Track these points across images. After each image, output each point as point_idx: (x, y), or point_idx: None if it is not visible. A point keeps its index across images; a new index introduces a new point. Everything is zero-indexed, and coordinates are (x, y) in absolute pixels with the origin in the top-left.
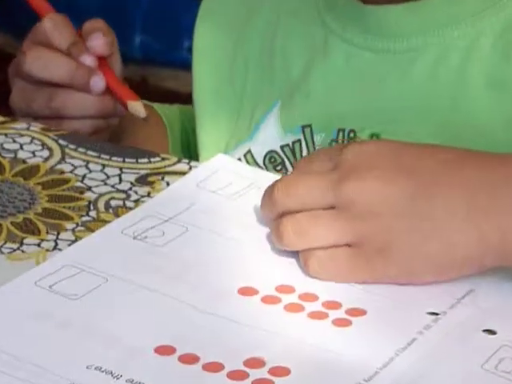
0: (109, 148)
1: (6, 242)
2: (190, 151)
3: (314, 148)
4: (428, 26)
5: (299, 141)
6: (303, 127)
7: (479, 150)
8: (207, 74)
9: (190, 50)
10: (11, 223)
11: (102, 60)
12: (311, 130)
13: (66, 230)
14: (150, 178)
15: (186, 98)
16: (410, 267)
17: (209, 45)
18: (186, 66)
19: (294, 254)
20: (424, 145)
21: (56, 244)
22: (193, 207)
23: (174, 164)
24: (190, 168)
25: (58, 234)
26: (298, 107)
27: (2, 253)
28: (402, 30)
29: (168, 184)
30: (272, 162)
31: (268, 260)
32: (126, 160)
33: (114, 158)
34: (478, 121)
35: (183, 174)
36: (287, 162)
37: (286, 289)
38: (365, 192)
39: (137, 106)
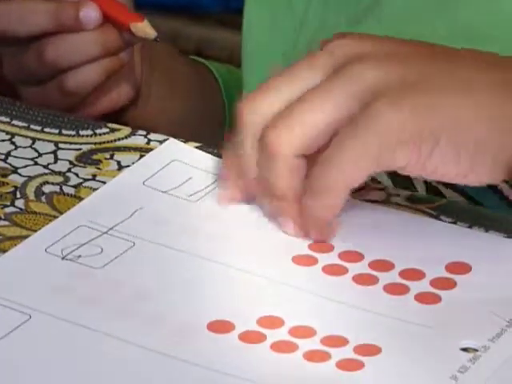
0: (41, 115)
1: None
2: None
3: None
4: None
5: None
6: None
7: None
8: None
9: None
10: None
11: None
12: None
13: None
14: (96, 156)
15: None
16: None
17: None
18: (156, 5)
19: (279, 274)
20: None
21: None
22: (139, 213)
23: (127, 137)
24: (149, 142)
25: None
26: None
27: None
28: None
29: (119, 164)
30: None
31: (245, 283)
32: (64, 132)
33: (47, 130)
34: None
35: (140, 149)
36: None
37: (272, 321)
38: (365, 41)
39: (143, 28)
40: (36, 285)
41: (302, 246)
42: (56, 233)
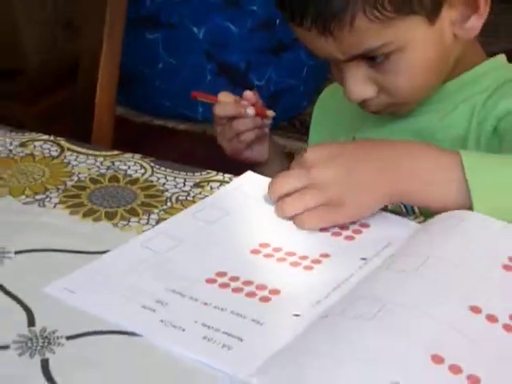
0: (175, 166)
1: (119, 221)
2: None
3: None
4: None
5: None
6: None
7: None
8: None
9: None
10: (123, 210)
11: (254, 104)
12: None
13: (153, 213)
14: (201, 184)
15: None
16: (355, 208)
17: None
18: None
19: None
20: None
21: (148, 221)
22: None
23: (215, 175)
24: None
25: (149, 215)
26: None
27: (118, 227)
28: None
29: (212, 188)
30: None
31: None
32: (188, 174)
33: (182, 173)
34: None
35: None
36: None
37: (277, 249)
38: (325, 174)
39: (269, 112)
40: (180, 232)
41: None
42: (198, 206)
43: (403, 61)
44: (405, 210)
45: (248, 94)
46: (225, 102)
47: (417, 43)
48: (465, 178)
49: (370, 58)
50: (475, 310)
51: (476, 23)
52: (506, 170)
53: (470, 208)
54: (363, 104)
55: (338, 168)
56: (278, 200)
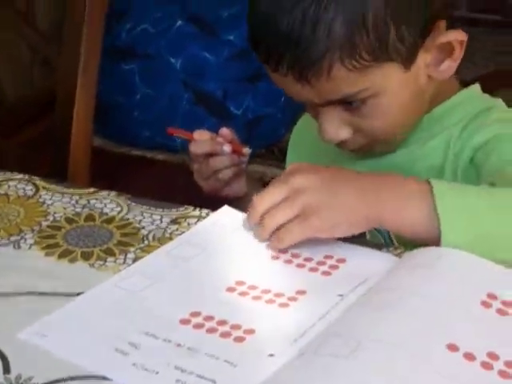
0: (151, 203)
1: (96, 261)
2: None
3: None
4: None
5: None
6: None
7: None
8: None
9: None
10: (100, 250)
11: (230, 141)
12: None
13: (130, 252)
14: (178, 220)
15: None
16: (330, 221)
17: None
18: None
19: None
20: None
21: (124, 261)
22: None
23: (192, 211)
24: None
25: (126, 255)
26: None
27: (94, 267)
28: None
29: (189, 224)
30: None
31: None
32: (165, 210)
33: (159, 210)
34: None
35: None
36: None
37: (252, 286)
38: (304, 180)
39: (245, 150)
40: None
41: None
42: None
43: (379, 105)
44: (383, 241)
45: (224, 131)
46: (201, 140)
47: (393, 88)
48: (435, 206)
49: (347, 103)
50: (452, 348)
51: (450, 65)
52: (474, 200)
53: (439, 235)
54: (340, 144)
55: (318, 177)
56: (260, 219)
